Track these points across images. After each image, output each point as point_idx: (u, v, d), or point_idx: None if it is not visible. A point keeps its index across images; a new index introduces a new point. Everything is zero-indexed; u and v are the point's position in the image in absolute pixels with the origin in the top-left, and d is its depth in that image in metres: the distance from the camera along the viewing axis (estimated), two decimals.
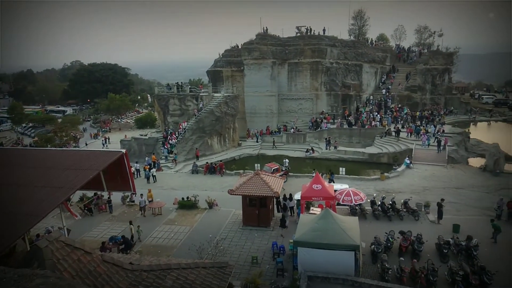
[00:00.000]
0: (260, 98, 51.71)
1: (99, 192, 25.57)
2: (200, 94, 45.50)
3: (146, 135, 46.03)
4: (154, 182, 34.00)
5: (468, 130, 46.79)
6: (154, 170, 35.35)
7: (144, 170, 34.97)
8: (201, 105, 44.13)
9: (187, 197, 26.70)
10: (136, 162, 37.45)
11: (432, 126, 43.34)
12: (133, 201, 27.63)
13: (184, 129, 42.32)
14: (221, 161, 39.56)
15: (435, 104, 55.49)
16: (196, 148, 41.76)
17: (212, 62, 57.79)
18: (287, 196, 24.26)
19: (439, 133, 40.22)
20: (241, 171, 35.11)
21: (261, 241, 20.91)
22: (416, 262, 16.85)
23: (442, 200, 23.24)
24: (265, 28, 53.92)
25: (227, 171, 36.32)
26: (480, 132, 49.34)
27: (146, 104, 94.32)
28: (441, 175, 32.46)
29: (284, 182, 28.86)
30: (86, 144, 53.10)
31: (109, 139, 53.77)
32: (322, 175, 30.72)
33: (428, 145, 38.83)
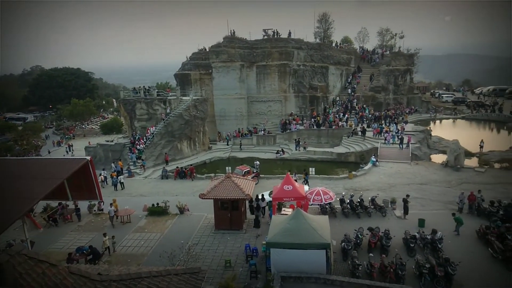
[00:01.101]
0: (230, 100, 51.68)
1: (63, 202, 24.60)
2: (168, 97, 44.79)
3: (112, 141, 44.73)
4: (122, 189, 33.10)
5: (430, 128, 48.87)
6: (122, 177, 34.40)
7: (111, 177, 33.96)
8: (168, 109, 43.46)
9: (157, 203, 26.17)
10: (103, 169, 36.31)
11: (394, 124, 45.04)
12: (101, 210, 26.76)
13: (152, 133, 41.51)
14: (191, 165, 39.13)
15: (398, 104, 57.74)
16: (166, 153, 41.05)
17: (179, 65, 57.13)
18: (259, 197, 24.37)
19: (400, 131, 41.81)
20: (212, 174, 34.87)
21: (234, 244, 20.86)
22: (385, 257, 17.41)
23: (408, 196, 24.17)
24: (232, 31, 54.00)
25: (198, 175, 35.96)
26: (441, 129, 51.69)
27: (111, 109, 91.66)
28: (406, 171, 33.73)
29: (256, 184, 28.94)
30: (49, 152, 50.89)
31: (72, 146, 51.78)
32: (294, 175, 31.26)
33: (393, 143, 40.31)
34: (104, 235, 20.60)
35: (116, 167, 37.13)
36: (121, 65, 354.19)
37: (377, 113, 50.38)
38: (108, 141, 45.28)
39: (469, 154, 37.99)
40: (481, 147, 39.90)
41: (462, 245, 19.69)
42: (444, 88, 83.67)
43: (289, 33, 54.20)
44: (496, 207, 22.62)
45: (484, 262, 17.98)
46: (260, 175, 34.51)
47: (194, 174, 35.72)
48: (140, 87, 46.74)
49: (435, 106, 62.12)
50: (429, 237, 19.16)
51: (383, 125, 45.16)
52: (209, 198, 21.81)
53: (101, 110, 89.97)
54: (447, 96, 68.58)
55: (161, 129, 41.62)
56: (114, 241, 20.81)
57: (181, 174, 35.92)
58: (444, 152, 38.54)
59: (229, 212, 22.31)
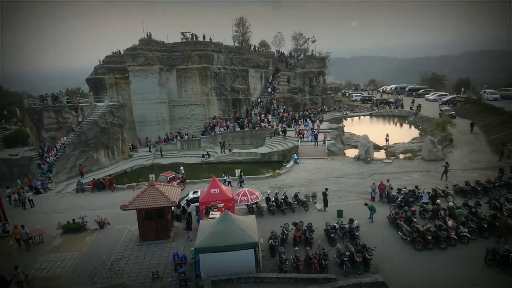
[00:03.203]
0: (150, 105, 49.84)
1: None
2: (80, 104, 41.55)
3: (17, 155, 39.94)
4: (32, 207, 29.81)
5: (343, 125, 52.77)
6: (30, 193, 30.94)
7: (19, 194, 30.36)
8: (81, 117, 40.32)
9: (73, 220, 24.08)
10: (7, 187, 32.23)
11: (310, 123, 47.83)
12: (7, 232, 23.64)
13: (64, 144, 38.10)
14: (110, 175, 36.82)
15: (314, 104, 61.35)
16: (80, 164, 38.03)
17: (92, 69, 53.44)
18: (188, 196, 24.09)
19: (316, 130, 44.54)
20: (134, 184, 33.23)
21: (161, 254, 20.13)
22: (309, 250, 18.40)
23: (326, 189, 25.82)
24: (148, 33, 52.19)
25: (118, 186, 33.99)
26: (352, 126, 56.12)
27: (15, 120, 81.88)
28: (324, 167, 35.96)
29: (182, 189, 28.37)
30: None
31: None
32: (228, 177, 31.29)
33: (311, 141, 42.72)
34: (16, 268, 17.85)
35: (22, 184, 33.31)
36: (26, 71, 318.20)
37: (297, 115, 52.99)
38: (12, 155, 40.30)
39: (377, 147, 41.86)
40: (387, 140, 44.29)
41: (376, 231, 21.64)
42: (353, 88, 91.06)
43: (204, 37, 54.04)
44: (402, 194, 25.30)
45: (395, 244, 19.98)
46: (186, 180, 33.91)
47: (114, 185, 33.68)
48: (47, 94, 42.54)
49: (346, 105, 67.32)
50: (347, 226, 20.69)
51: (302, 125, 47.68)
52: (131, 209, 20.73)
53: (3, 121, 79.86)
54: (356, 95, 74.68)
55: (73, 139, 38.43)
56: (28, 280, 18.04)
57: (99, 186, 33.60)
58: (356, 147, 41.87)
59: (155, 222, 21.49)
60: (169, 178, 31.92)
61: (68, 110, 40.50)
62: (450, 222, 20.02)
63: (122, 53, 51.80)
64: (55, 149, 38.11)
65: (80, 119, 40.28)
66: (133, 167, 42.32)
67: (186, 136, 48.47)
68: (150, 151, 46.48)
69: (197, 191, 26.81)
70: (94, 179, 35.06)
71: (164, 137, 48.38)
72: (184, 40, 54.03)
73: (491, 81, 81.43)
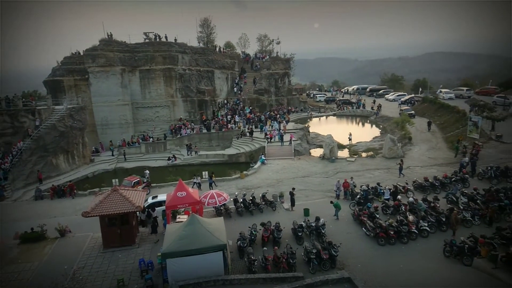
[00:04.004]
0: (112, 108, 48.28)
1: None
2: (38, 108, 39.55)
3: None
4: None
5: (308, 125, 53.77)
6: None
7: None
8: (38, 121, 38.39)
9: (32, 229, 22.88)
10: None
11: (276, 123, 48.39)
12: None
13: (20, 149, 36.10)
14: (70, 181, 35.38)
15: (279, 105, 62.03)
16: (38, 170, 36.17)
17: (49, 71, 51.04)
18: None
19: (282, 130, 45.11)
20: (97, 189, 32.08)
21: (126, 261, 19.57)
22: (277, 249, 18.58)
23: (293, 189, 26.22)
24: (109, 33, 50.59)
25: (80, 192, 32.74)
26: (317, 126, 57.28)
27: None
28: (290, 167, 36.48)
29: (147, 194, 27.79)
30: None
31: None
32: (196, 178, 30.92)
33: (278, 141, 43.15)
34: None
35: None
36: None
37: (263, 116, 53.40)
38: None
39: (341, 146, 43.01)
40: (350, 139, 45.60)
41: (342, 228, 22.24)
42: (317, 89, 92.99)
43: (166, 37, 53.07)
44: (361, 191, 26.10)
45: (360, 240, 20.65)
46: (152, 184, 33.21)
47: (75, 191, 32.38)
48: (0, 97, 40.09)
49: (311, 105, 68.62)
50: (313, 224, 21.11)
51: (269, 126, 48.11)
52: (94, 216, 20.01)
53: None
54: (320, 96, 76.29)
55: (30, 144, 36.50)
56: None
57: (59, 192, 32.18)
58: (321, 146, 42.77)
59: (119, 228, 20.87)
60: (134, 183, 31.14)
61: (24, 114, 38.44)
62: (410, 217, 20.97)
63: (82, 54, 49.81)
64: (10, 155, 36.02)
65: (37, 123, 38.33)
66: (95, 172, 40.82)
67: (151, 138, 47.45)
68: (113, 155, 45.05)
69: (156, 196, 26.40)
70: (53, 185, 33.52)
71: (128, 140, 47.09)
72: (147, 40, 52.83)
73: (446, 81, 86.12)
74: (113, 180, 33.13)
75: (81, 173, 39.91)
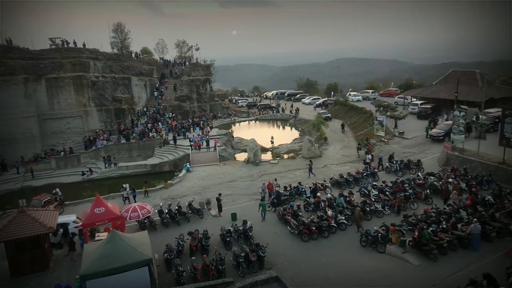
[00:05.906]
0: (15, 121, 43.22)
1: None
2: None
3: None
4: None
5: (232, 130, 54.35)
6: None
7: None
8: None
9: None
10: None
11: (198, 129, 48.10)
12: None
13: None
14: None
15: (202, 111, 61.68)
16: None
17: None
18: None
19: (206, 136, 45.00)
20: (0, 212, 28.46)
21: None
22: (206, 257, 18.39)
23: (220, 194, 26.30)
24: (8, 39, 45.43)
25: None
26: (240, 131, 58.20)
27: None
28: (216, 173, 36.49)
29: (60, 213, 25.48)
30: None
31: None
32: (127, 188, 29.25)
33: (205, 146, 42.82)
34: None
35: None
36: None
37: (185, 123, 52.61)
38: None
39: (264, 150, 44.29)
40: (272, 142, 47.22)
41: (268, 228, 22.89)
42: (239, 95, 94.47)
43: (75, 42, 49.53)
44: (288, 190, 27.26)
45: (285, 239, 21.46)
46: (65, 202, 30.50)
47: None
48: None
49: (234, 111, 69.44)
50: (241, 228, 21.38)
51: (193, 133, 47.60)
52: None
53: None
54: (242, 101, 77.61)
55: None
56: None
57: None
58: (245, 151, 43.46)
59: (29, 253, 18.80)
60: (44, 202, 28.34)
61: None
62: (329, 212, 22.44)
63: None
64: None
65: None
66: None
67: (62, 152, 43.61)
68: (18, 172, 40.38)
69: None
70: None
71: (34, 156, 42.59)
72: (53, 46, 48.58)
73: (354, 85, 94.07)
74: (20, 201, 29.63)
75: None
